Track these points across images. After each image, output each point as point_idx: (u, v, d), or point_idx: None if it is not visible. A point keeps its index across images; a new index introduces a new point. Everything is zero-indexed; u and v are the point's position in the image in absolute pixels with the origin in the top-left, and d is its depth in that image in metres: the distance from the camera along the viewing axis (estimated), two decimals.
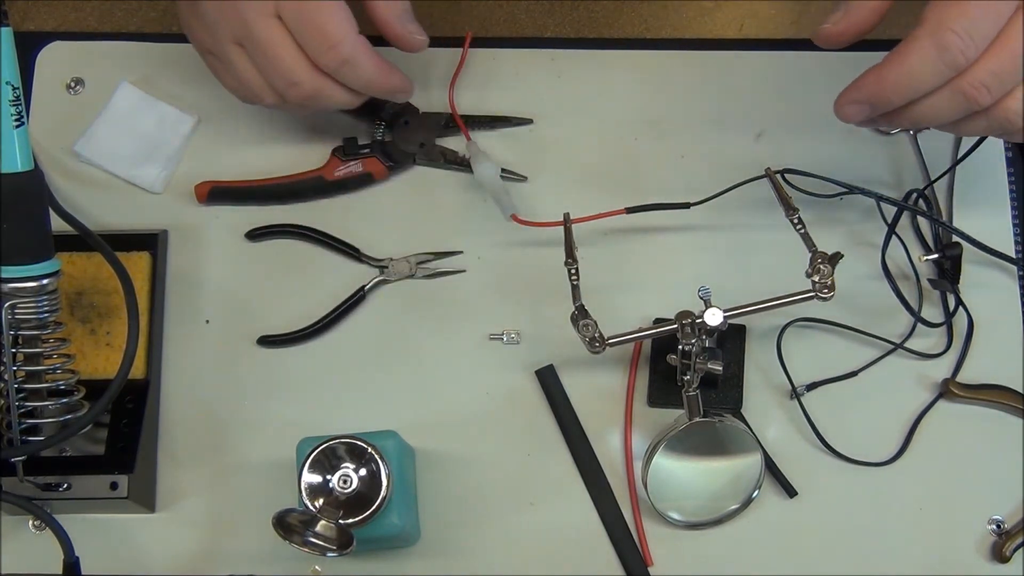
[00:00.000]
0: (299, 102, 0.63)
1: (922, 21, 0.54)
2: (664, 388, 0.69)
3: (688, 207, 0.69)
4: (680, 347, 0.63)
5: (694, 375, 0.63)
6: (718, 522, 0.66)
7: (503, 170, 0.72)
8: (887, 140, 0.74)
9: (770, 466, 0.67)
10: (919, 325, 0.69)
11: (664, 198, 0.69)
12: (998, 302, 0.71)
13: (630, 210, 0.69)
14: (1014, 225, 0.72)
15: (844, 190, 0.67)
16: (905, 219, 0.72)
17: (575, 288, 0.65)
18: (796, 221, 0.64)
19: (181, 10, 0.63)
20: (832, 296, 0.62)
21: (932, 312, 0.70)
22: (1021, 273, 0.71)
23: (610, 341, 0.63)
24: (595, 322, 0.63)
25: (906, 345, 0.69)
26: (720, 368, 0.64)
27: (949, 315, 0.70)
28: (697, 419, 0.63)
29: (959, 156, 0.73)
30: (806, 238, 0.64)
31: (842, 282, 0.63)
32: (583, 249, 0.66)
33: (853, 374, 0.69)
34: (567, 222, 0.67)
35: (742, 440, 0.65)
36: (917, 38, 0.53)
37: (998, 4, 0.52)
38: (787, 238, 0.65)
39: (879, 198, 0.67)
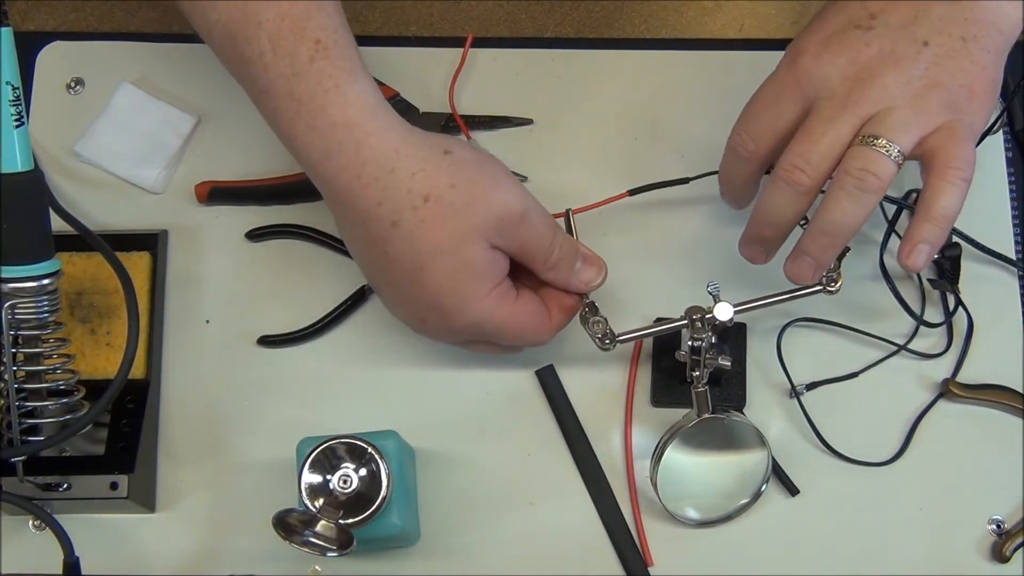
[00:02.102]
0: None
1: None
2: (668, 387, 0.69)
3: (687, 182, 0.69)
4: (689, 343, 0.63)
5: (703, 371, 0.63)
6: (728, 518, 0.66)
7: None
8: None
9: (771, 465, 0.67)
10: (929, 325, 0.69)
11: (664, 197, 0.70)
12: (998, 302, 0.71)
13: (632, 192, 0.69)
14: (1014, 225, 0.72)
15: None
16: (905, 220, 0.72)
17: None
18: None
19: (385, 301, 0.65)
20: (839, 289, 0.62)
21: (931, 312, 0.70)
22: (1021, 273, 0.71)
23: (621, 338, 0.63)
24: (606, 319, 0.63)
25: (907, 345, 0.69)
26: (729, 363, 0.64)
27: (949, 315, 0.70)
28: (707, 415, 0.63)
29: None
30: None
31: (843, 282, 0.63)
32: None
33: (854, 375, 0.69)
34: (569, 216, 0.67)
35: (749, 435, 0.65)
36: (726, 148, 0.63)
37: (778, 108, 0.59)
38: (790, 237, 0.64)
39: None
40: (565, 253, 0.62)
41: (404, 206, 0.58)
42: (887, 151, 0.56)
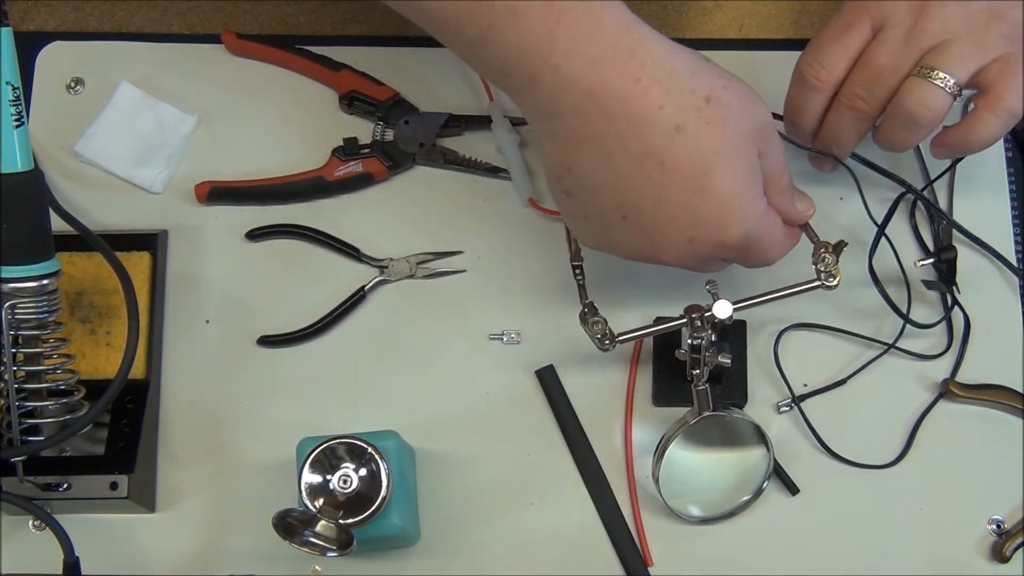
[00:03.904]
0: None
1: None
2: (669, 386, 0.69)
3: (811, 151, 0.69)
4: (689, 341, 0.63)
5: (703, 369, 0.63)
6: (730, 515, 0.67)
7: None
8: None
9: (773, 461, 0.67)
10: (918, 326, 0.69)
11: None
12: (998, 302, 0.71)
13: None
14: (1014, 226, 0.72)
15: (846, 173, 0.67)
16: (905, 222, 0.72)
17: (582, 288, 0.65)
18: None
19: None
20: (837, 284, 0.62)
21: (931, 312, 0.70)
22: (1021, 272, 0.71)
23: (620, 338, 0.63)
24: (605, 319, 0.63)
25: (906, 346, 0.69)
26: (729, 361, 0.64)
27: (944, 316, 0.70)
28: (707, 413, 0.63)
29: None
30: (808, 229, 0.64)
31: (841, 277, 0.63)
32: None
33: (842, 382, 0.69)
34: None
35: (750, 432, 0.65)
36: (791, 80, 0.64)
37: (847, 38, 0.61)
38: None
39: (891, 177, 0.68)
40: (790, 179, 0.62)
41: (688, 107, 0.55)
42: (944, 83, 0.58)
